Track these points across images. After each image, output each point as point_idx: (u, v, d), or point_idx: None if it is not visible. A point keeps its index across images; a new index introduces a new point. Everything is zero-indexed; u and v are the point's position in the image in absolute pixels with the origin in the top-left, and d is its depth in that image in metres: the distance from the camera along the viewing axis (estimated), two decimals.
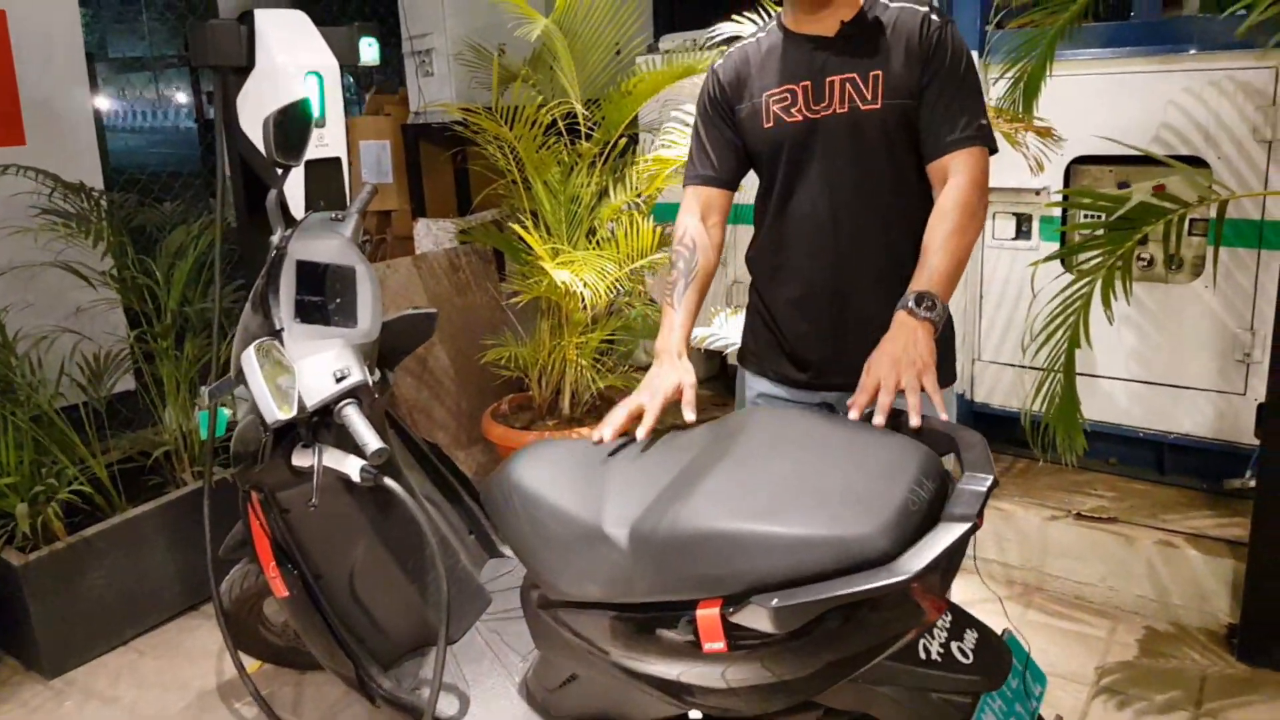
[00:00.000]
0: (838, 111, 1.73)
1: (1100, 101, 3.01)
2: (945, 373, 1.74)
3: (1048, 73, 2.77)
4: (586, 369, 3.15)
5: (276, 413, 1.66)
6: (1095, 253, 2.45)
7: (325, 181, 2.71)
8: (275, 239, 1.93)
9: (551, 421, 3.26)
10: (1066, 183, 3.11)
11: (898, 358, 1.51)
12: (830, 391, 1.86)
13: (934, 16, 1.72)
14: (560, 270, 2.91)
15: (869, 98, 1.71)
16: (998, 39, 3.06)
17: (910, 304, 1.57)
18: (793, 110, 1.76)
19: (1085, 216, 3.08)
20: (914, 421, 1.45)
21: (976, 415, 3.41)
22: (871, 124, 1.72)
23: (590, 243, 3.23)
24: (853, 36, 1.73)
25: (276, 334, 1.79)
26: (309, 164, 2.58)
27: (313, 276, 1.88)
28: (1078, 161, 3.08)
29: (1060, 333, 2.49)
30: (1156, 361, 3.05)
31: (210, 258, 3.02)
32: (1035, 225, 3.17)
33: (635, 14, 3.88)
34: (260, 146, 2.10)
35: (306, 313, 1.83)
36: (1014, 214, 3.18)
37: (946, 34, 1.71)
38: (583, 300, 2.93)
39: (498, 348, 3.25)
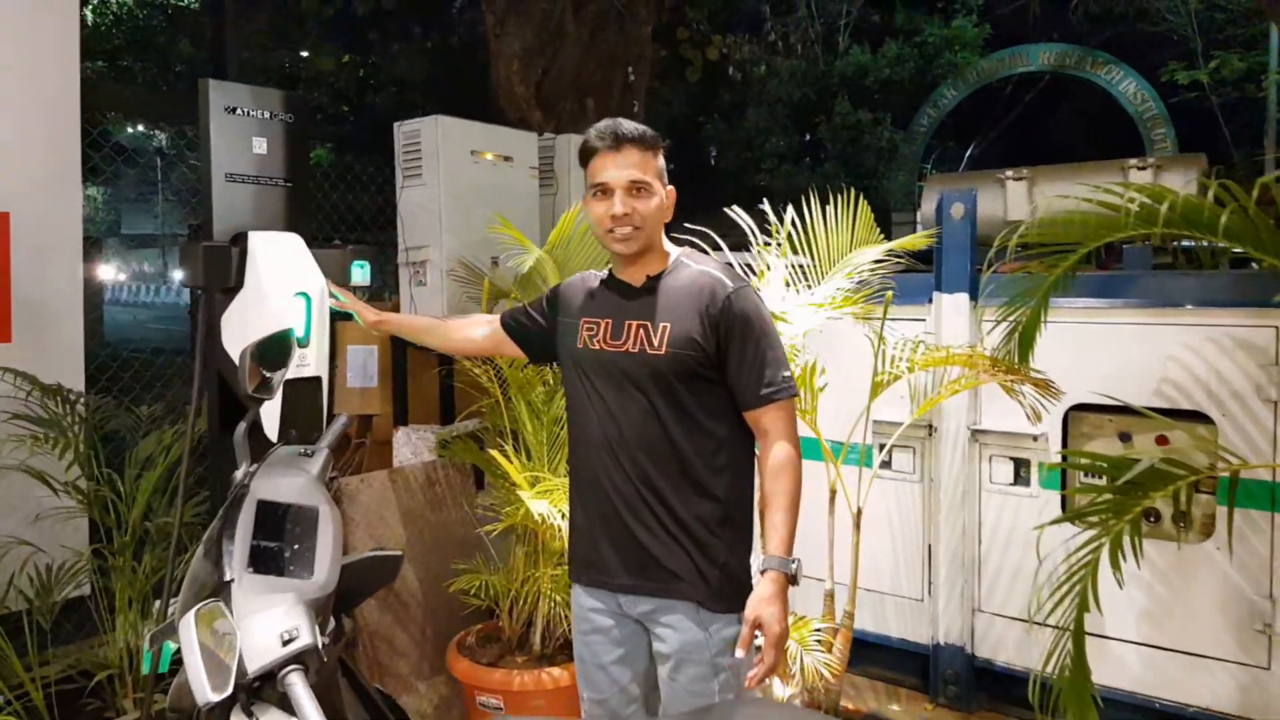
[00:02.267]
0: (629, 350, 2.00)
1: (1097, 349, 2.96)
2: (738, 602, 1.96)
3: (1043, 321, 2.71)
4: (561, 604, 2.95)
5: (208, 694, 1.51)
6: (1102, 514, 2.33)
7: (303, 401, 2.63)
8: (239, 474, 1.83)
9: (520, 657, 3.03)
10: (1065, 429, 3.01)
11: (784, 625, 1.87)
12: (624, 594, 2.04)
13: (727, 282, 1.99)
14: (538, 500, 2.77)
15: (655, 344, 1.98)
16: (990, 282, 3.03)
17: (775, 566, 1.89)
18: (595, 340, 2.05)
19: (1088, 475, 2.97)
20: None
21: (978, 671, 3.18)
22: (656, 366, 1.97)
23: None
24: (654, 289, 2.04)
25: (226, 585, 1.66)
26: (288, 383, 2.50)
27: (273, 518, 1.77)
28: (1077, 409, 3.00)
29: (1069, 596, 2.34)
30: (1170, 625, 2.86)
31: (178, 470, 2.90)
32: (1034, 471, 3.06)
33: None
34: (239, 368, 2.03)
35: (260, 561, 1.71)
36: (1011, 458, 3.07)
37: (739, 300, 1.97)
38: (559, 530, 2.79)
39: (469, 573, 3.07)
